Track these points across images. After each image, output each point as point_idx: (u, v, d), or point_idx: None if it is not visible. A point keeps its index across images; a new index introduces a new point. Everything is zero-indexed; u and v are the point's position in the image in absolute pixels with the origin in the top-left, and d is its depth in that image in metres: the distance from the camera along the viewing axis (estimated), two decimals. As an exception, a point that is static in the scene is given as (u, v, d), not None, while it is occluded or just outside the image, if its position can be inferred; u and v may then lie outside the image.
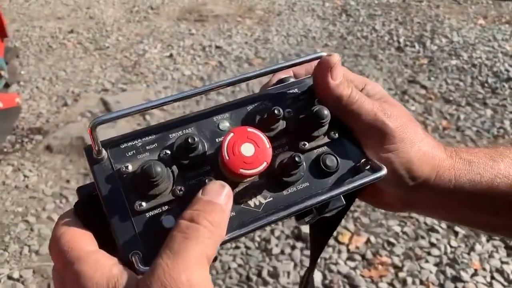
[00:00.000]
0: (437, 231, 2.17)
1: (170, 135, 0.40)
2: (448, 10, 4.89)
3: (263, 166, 0.37)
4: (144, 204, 0.36)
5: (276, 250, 2.11)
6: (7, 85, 2.17)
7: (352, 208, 2.33)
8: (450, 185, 0.43)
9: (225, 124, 0.41)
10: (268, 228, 2.22)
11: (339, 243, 2.14)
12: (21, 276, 2.01)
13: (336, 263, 2.03)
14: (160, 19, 4.92)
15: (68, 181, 2.55)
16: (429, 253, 2.06)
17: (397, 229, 2.20)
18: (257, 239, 2.17)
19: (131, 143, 0.39)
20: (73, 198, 2.44)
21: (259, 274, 2.00)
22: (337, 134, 0.43)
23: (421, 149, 0.42)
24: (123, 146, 0.39)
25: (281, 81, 0.46)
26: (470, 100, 3.25)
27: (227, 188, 0.36)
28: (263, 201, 0.39)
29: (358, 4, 5.15)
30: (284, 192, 0.40)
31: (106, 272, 0.32)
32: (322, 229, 0.51)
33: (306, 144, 0.42)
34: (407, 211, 0.48)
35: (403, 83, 3.50)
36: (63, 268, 0.34)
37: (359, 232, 2.20)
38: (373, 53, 4.02)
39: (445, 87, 3.42)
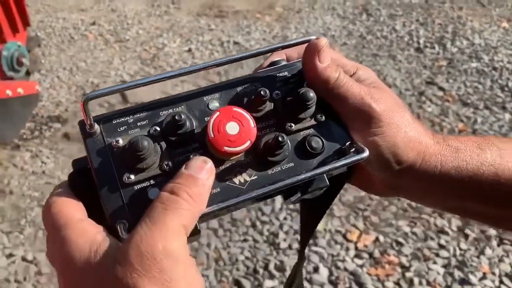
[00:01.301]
0: (447, 233, 2.15)
1: (160, 112, 0.41)
2: (471, 12, 4.81)
3: (247, 144, 0.38)
4: (132, 177, 0.38)
5: (284, 245, 2.12)
6: (28, 73, 2.22)
7: (362, 206, 2.33)
8: (436, 171, 0.43)
9: (214, 104, 0.42)
10: (276, 223, 2.23)
11: (347, 240, 2.14)
12: (34, 258, 2.06)
13: (343, 260, 2.04)
14: (180, 13, 4.96)
15: (83, 169, 2.60)
16: (437, 255, 2.05)
17: (407, 229, 2.19)
18: (266, 233, 2.19)
19: (123, 119, 0.40)
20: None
21: (266, 267, 2.02)
22: (323, 117, 0.43)
23: (407, 133, 0.42)
24: (115, 121, 0.40)
25: (273, 63, 0.46)
26: (489, 104, 3.20)
27: (210, 164, 0.37)
28: (248, 179, 0.40)
29: (380, 4, 5.11)
30: (269, 171, 0.41)
31: (90, 238, 0.34)
32: (311, 212, 0.52)
33: (292, 126, 0.42)
34: (394, 196, 0.48)
35: (420, 84, 3.46)
36: (51, 233, 0.36)
37: (368, 231, 2.19)
38: (392, 53, 3.98)
39: (464, 89, 3.37)
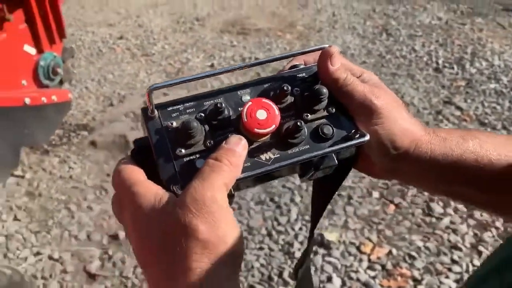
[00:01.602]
0: (460, 249, 2.18)
1: (204, 102, 0.51)
2: (492, 34, 4.84)
3: (272, 127, 0.48)
4: (183, 150, 0.47)
5: (298, 254, 2.18)
6: (61, 82, 2.36)
7: (376, 220, 2.38)
8: (427, 156, 0.51)
9: (246, 97, 0.52)
10: (292, 233, 2.30)
11: (361, 252, 2.19)
12: (60, 257, 2.17)
13: (356, 271, 2.08)
14: (204, 30, 5.13)
15: (108, 175, 2.72)
16: (450, 270, 2.08)
17: (420, 244, 2.22)
18: (281, 242, 2.25)
19: (175, 107, 0.50)
20: (113, 191, 2.60)
21: (280, 275, 2.08)
22: (334, 109, 0.52)
23: (403, 125, 0.50)
24: (169, 108, 0.50)
25: (293, 66, 0.56)
26: (506, 124, 3.23)
27: (244, 141, 0.46)
28: (272, 156, 0.49)
29: (399, 24, 5.19)
30: (289, 151, 0.50)
31: (154, 192, 0.43)
32: (322, 194, 0.60)
33: (308, 116, 0.51)
34: (392, 178, 0.56)
35: (438, 103, 3.51)
36: (122, 191, 0.45)
37: (381, 244, 2.24)
38: (411, 72, 4.05)
39: (481, 109, 3.41)
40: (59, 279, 2.07)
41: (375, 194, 2.57)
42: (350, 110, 0.52)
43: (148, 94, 0.47)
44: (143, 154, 0.48)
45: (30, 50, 2.16)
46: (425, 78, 3.93)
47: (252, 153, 0.49)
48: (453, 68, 4.07)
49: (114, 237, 2.29)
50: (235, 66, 0.52)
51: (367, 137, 0.49)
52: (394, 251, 2.19)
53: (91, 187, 2.62)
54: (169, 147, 0.47)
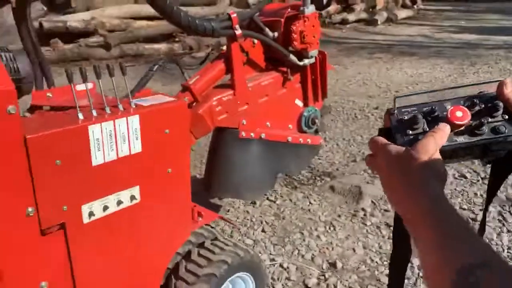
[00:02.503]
0: None
1: (423, 108, 0.83)
2: None
3: (465, 121, 0.77)
4: (410, 132, 0.80)
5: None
6: (316, 131, 2.93)
7: None
8: None
9: (448, 106, 0.81)
10: None
11: None
12: (287, 267, 2.65)
13: None
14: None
15: (339, 216, 3.14)
16: None
17: None
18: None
19: (406, 109, 0.83)
20: (339, 229, 2.99)
21: None
22: (507, 116, 0.78)
23: None
24: (403, 110, 0.83)
25: (480, 92, 0.84)
26: None
27: (448, 126, 0.77)
28: (463, 140, 0.78)
29: None
30: (474, 137, 0.78)
31: (396, 147, 0.77)
32: (497, 176, 0.86)
33: (489, 119, 0.78)
34: None
35: None
36: (378, 148, 0.80)
37: None
38: None
39: None
40: (283, 283, 2.54)
41: None
42: None
43: (394, 100, 0.84)
44: (384, 134, 0.84)
45: (299, 103, 2.83)
46: None
47: (452, 136, 0.79)
48: None
49: (333, 265, 2.64)
50: (452, 86, 0.90)
51: None
52: None
53: (322, 222, 3.08)
54: (402, 129, 0.81)
